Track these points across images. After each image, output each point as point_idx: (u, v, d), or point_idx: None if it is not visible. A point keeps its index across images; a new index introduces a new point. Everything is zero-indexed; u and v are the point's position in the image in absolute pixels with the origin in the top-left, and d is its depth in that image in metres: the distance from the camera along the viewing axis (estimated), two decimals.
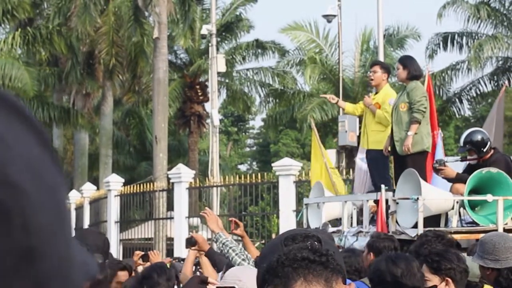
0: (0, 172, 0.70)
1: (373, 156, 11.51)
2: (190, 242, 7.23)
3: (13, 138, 0.73)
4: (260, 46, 34.23)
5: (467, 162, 10.59)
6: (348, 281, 2.17)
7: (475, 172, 9.68)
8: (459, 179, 9.99)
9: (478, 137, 10.25)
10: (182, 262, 9.87)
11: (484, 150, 10.13)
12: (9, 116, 0.75)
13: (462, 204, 9.82)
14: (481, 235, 7.98)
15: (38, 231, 0.70)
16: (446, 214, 10.07)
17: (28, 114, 0.77)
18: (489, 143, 10.22)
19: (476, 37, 30.79)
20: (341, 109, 26.95)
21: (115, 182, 24.15)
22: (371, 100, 11.67)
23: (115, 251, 22.25)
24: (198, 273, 8.64)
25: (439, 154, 11.54)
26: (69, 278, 0.73)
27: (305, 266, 2.04)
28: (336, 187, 13.16)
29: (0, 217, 0.68)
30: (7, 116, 0.75)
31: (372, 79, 11.74)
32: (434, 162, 10.47)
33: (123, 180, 24.68)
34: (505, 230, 9.14)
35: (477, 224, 9.71)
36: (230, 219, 7.31)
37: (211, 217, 6.98)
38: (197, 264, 8.97)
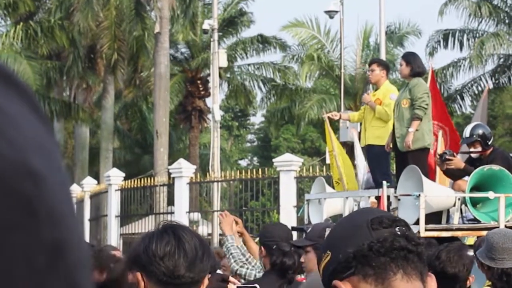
0: (18, 157, 0.58)
1: (375, 152, 11.51)
2: None
3: (19, 115, 0.60)
4: (261, 41, 34.20)
5: (466, 157, 10.62)
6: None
7: (477, 169, 9.69)
8: (466, 170, 10.02)
9: (484, 130, 10.38)
10: None
11: (489, 143, 10.22)
12: (7, 88, 0.61)
13: (463, 201, 9.83)
14: (483, 232, 7.99)
15: (61, 221, 0.61)
16: (448, 211, 10.08)
17: (20, 82, 0.63)
18: (492, 138, 10.32)
19: (477, 34, 30.77)
20: (342, 106, 27.07)
21: (115, 177, 24.13)
22: (370, 97, 11.75)
23: (116, 245, 22.24)
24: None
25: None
26: (87, 263, 0.66)
27: (404, 257, 1.79)
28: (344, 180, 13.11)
29: (26, 211, 0.58)
30: (5, 89, 0.61)
31: (370, 77, 11.87)
32: (443, 152, 10.52)
33: (123, 175, 24.64)
34: (506, 227, 9.14)
35: (479, 221, 9.71)
36: None
37: (226, 219, 6.90)
38: None
